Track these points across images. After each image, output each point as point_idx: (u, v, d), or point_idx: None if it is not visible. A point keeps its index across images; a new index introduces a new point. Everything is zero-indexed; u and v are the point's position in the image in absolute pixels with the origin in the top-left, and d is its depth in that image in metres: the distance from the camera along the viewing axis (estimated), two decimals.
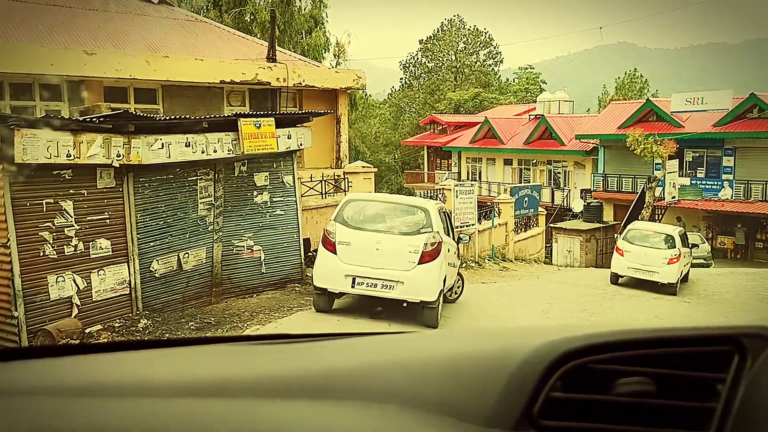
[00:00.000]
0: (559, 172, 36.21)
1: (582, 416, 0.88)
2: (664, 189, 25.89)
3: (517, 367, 0.88)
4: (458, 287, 10.72)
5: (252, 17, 27.28)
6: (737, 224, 28.64)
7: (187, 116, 9.71)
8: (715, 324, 1.00)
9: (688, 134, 28.01)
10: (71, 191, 8.10)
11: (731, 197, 28.10)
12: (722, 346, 0.95)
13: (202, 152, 9.28)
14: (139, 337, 7.97)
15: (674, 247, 15.48)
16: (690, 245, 17.31)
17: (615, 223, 28.70)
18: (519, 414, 0.84)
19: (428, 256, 8.50)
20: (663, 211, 27.41)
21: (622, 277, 16.03)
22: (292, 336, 1.35)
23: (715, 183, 28.91)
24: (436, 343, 1.17)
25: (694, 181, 29.39)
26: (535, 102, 42.02)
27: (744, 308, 13.43)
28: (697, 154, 29.82)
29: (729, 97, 28.75)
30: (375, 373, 0.97)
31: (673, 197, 26.38)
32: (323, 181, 13.99)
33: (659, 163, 26.21)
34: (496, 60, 59.77)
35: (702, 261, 19.53)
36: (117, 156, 8.23)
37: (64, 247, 8.04)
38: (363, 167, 15.27)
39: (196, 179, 9.65)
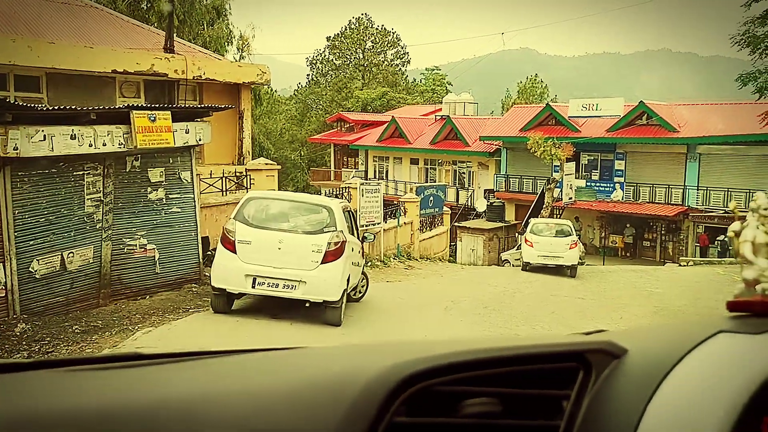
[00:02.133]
0: (463, 173, 36.99)
1: None
2: (561, 190, 26.97)
3: (359, 392, 0.85)
4: (363, 286, 10.66)
5: (149, 5, 26.13)
6: (627, 224, 30.23)
7: (74, 107, 9.05)
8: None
9: (584, 138, 29.32)
10: None
11: (622, 199, 29.61)
12: (568, 363, 0.96)
13: (90, 145, 8.71)
14: (15, 342, 7.35)
15: (572, 234, 18.51)
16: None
17: (516, 222, 29.70)
18: None
19: (331, 255, 8.38)
20: (561, 211, 28.53)
21: (530, 264, 18.51)
22: (130, 356, 1.22)
23: (608, 185, 30.40)
24: (281, 365, 1.11)
25: (589, 183, 30.82)
26: (441, 103, 42.70)
27: (632, 302, 14.15)
28: (592, 158, 31.32)
29: (620, 105, 30.19)
30: (212, 399, 0.91)
31: (570, 198, 27.52)
32: (224, 178, 13.54)
33: (558, 166, 27.24)
34: (403, 60, 60.53)
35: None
36: None
37: None
38: (266, 164, 14.90)
39: (83, 174, 9.04)
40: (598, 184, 30.71)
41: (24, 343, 7.41)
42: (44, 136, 8.07)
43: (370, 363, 0.92)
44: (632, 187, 29.62)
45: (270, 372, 1.06)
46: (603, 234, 30.91)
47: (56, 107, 8.91)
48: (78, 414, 0.87)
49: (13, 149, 7.77)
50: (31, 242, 8.37)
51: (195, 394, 0.94)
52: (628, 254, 30.08)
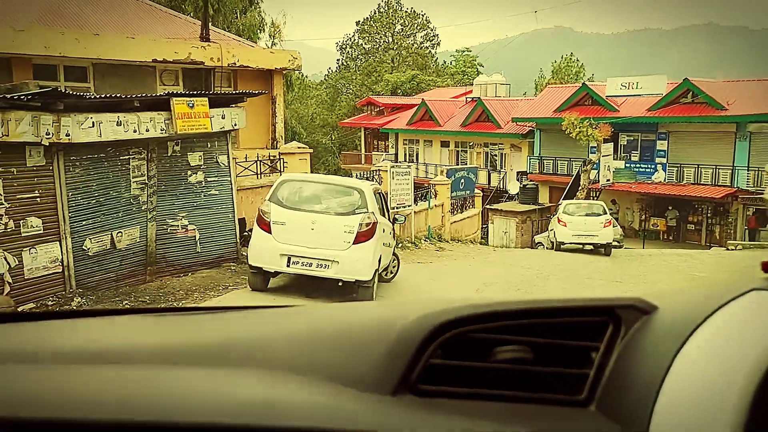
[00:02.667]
0: (495, 155, 36.51)
1: (462, 382, 0.90)
2: (599, 172, 25.96)
3: (397, 335, 0.92)
4: (394, 267, 10.90)
5: None
6: (669, 206, 29.01)
7: (119, 95, 9.56)
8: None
9: (623, 118, 28.19)
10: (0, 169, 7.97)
11: (664, 180, 28.37)
12: (598, 317, 0.99)
13: (134, 131, 9.20)
14: None
15: (606, 213, 19.14)
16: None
17: (550, 205, 28.87)
18: (398, 380, 0.87)
19: (363, 236, 8.62)
20: (598, 193, 27.51)
21: (564, 243, 18.78)
22: (196, 308, 1.42)
23: (649, 166, 29.14)
24: (325, 315, 1.22)
25: (628, 165, 29.61)
26: (472, 85, 42.10)
27: (673, 287, 13.62)
28: (632, 138, 30.09)
29: (663, 83, 28.93)
30: (267, 343, 1.02)
31: (608, 180, 26.57)
32: (258, 162, 13.97)
33: (594, 147, 26.32)
34: (433, 42, 59.86)
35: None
36: (46, 134, 8.11)
37: None
38: (298, 148, 15.31)
39: (129, 158, 9.58)
40: (638, 166, 29.50)
41: None
42: (93, 123, 8.59)
43: (407, 312, 0.97)
44: (675, 168, 28.20)
45: (315, 321, 1.16)
46: (643, 217, 29.76)
47: (103, 96, 9.44)
48: (157, 351, 0.99)
49: (66, 135, 8.31)
50: (84, 222, 8.97)
51: (255, 337, 1.07)
52: (670, 237, 28.84)
